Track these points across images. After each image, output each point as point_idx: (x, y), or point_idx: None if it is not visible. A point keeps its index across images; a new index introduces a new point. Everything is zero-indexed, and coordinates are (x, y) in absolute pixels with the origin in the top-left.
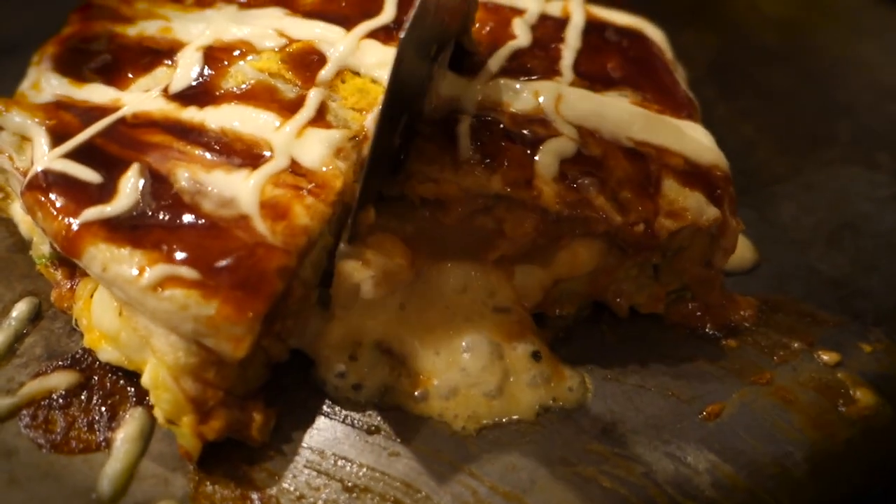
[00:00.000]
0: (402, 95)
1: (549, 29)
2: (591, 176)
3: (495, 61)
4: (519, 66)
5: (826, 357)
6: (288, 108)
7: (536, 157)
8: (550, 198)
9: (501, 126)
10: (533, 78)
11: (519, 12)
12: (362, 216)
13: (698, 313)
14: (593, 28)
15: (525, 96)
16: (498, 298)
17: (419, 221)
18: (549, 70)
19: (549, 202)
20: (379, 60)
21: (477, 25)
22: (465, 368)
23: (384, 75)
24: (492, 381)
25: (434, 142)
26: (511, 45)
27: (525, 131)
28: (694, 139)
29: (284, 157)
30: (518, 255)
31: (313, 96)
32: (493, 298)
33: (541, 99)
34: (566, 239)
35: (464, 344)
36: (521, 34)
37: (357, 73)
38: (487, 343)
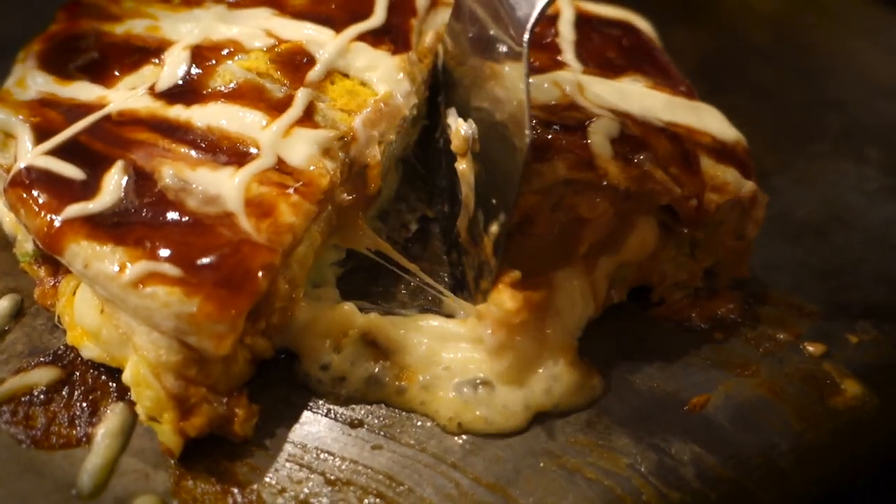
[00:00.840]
0: None
1: (542, 25)
2: (644, 151)
3: None
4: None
5: (812, 348)
6: (275, 107)
7: (587, 140)
8: (617, 174)
9: (538, 120)
10: (545, 72)
11: None
12: None
13: (685, 306)
14: (584, 21)
15: (547, 87)
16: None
17: (514, 250)
18: (555, 63)
19: (618, 179)
20: (368, 64)
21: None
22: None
23: (374, 78)
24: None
25: None
26: None
27: (564, 118)
28: (713, 119)
29: (271, 155)
30: (600, 245)
31: (301, 96)
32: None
33: (566, 88)
34: (634, 217)
35: None
36: None
37: (346, 76)
38: None
